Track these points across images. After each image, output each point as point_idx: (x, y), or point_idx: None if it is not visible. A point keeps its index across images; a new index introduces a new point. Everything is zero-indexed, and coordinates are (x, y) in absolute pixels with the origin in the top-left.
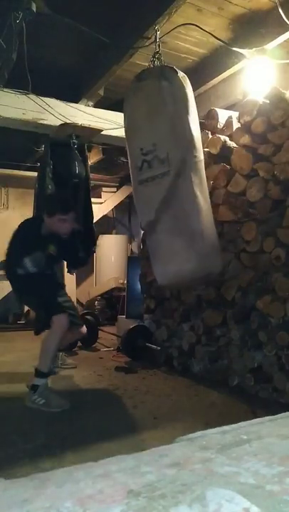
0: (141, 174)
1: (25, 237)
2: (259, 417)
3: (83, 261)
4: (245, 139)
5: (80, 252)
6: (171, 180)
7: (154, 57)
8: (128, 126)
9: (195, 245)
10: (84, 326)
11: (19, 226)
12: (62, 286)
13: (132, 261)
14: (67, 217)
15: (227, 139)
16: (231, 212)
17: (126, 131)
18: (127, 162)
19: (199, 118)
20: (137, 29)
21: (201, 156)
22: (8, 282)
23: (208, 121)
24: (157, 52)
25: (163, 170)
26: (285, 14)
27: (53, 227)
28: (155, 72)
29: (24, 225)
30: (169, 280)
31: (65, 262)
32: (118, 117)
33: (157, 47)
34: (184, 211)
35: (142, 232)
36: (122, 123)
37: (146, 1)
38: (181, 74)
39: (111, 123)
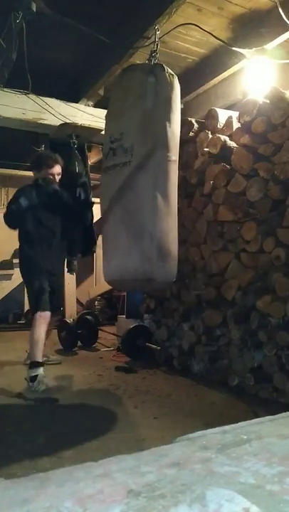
0: (106, 162)
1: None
2: (259, 417)
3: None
4: (245, 139)
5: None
6: (131, 171)
7: (151, 56)
8: (107, 114)
9: (140, 244)
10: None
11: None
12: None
13: None
14: (53, 170)
15: (227, 138)
16: (231, 212)
17: (105, 119)
18: None
19: (199, 118)
20: (137, 29)
21: (174, 157)
22: (7, 282)
23: (208, 121)
24: (155, 51)
25: (125, 160)
26: (285, 14)
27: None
28: (145, 68)
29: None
30: (111, 276)
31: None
32: None
33: (155, 46)
34: (136, 206)
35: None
36: None
37: (146, 1)
38: (169, 73)
39: None
